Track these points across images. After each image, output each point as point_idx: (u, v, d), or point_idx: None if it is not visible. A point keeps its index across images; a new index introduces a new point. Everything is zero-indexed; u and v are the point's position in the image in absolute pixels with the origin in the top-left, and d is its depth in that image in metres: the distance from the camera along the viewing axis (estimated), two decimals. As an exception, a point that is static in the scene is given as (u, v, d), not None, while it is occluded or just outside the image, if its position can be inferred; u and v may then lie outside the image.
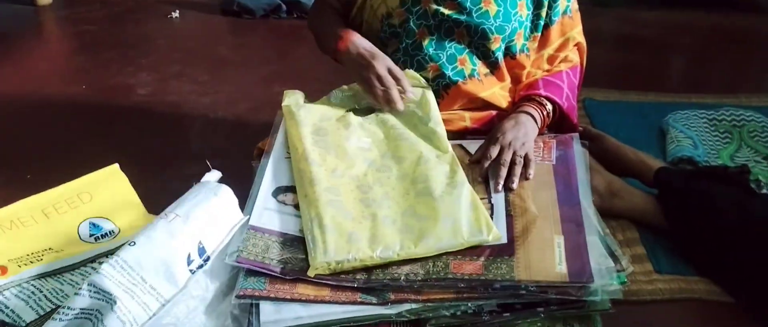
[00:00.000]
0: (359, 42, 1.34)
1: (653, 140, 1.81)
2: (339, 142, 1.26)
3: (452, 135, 1.33)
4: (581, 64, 1.48)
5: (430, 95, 1.33)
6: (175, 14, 3.16)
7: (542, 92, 1.37)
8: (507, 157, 1.23)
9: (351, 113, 1.35)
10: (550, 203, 1.15)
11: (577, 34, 1.44)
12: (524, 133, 1.28)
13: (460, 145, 1.32)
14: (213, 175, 1.21)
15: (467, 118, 1.39)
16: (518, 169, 1.22)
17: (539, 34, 1.40)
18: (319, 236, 1.09)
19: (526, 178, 1.22)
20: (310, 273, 1.06)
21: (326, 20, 1.49)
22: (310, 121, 1.31)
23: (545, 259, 1.05)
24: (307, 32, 1.64)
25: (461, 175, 1.19)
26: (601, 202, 1.34)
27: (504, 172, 1.22)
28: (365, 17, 1.47)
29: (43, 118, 2.18)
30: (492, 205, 1.16)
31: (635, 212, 1.40)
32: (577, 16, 1.44)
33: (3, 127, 2.11)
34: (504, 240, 1.09)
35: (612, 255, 1.07)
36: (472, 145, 1.31)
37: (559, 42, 1.42)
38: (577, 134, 1.35)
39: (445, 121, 1.32)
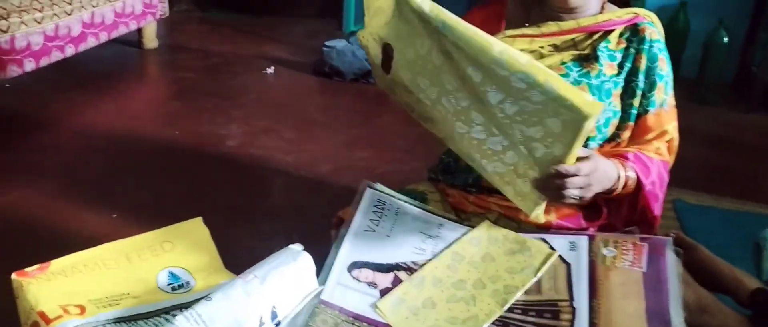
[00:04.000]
0: None
1: (748, 255, 1.71)
2: None
3: (535, 229, 1.29)
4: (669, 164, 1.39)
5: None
6: (270, 70, 3.28)
7: (630, 159, 1.28)
8: (574, 181, 1.12)
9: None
10: (637, 315, 1.08)
11: (673, 129, 1.37)
12: (597, 176, 1.17)
13: (543, 239, 1.28)
14: (296, 248, 1.21)
15: (552, 213, 1.35)
16: (569, 199, 1.13)
17: (632, 122, 1.36)
18: None
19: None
20: None
21: None
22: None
23: (629, 378, 0.98)
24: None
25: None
26: (690, 318, 1.25)
27: (557, 185, 1.12)
28: (457, 98, 1.47)
29: (135, 158, 2.27)
30: (574, 309, 1.11)
31: (726, 333, 1.30)
32: (674, 112, 1.38)
33: (97, 163, 2.21)
34: (585, 348, 1.03)
35: (702, 381, 1.00)
36: (556, 241, 1.27)
37: (654, 134, 1.35)
38: (670, 240, 1.27)
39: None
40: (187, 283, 1.23)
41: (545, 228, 1.32)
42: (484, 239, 1.26)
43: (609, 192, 1.26)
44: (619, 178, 1.24)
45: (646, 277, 1.17)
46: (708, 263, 1.40)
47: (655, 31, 1.36)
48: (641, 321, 1.08)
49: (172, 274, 1.24)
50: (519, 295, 1.15)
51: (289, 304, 1.11)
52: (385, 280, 1.19)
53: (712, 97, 3.09)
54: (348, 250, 1.22)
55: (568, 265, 1.20)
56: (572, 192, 1.13)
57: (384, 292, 1.17)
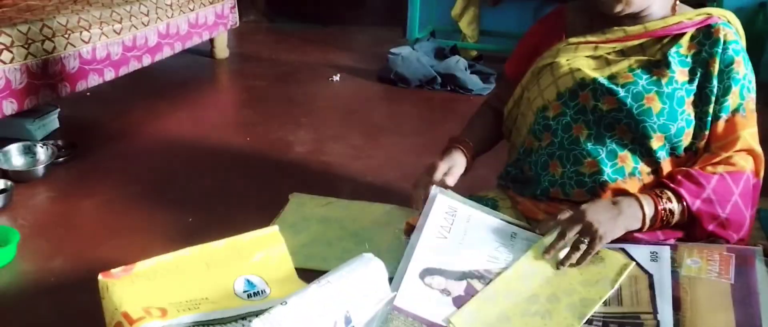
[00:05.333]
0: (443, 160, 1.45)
1: (842, 267, 1.60)
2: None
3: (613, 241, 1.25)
4: (757, 174, 1.30)
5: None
6: (336, 77, 3.32)
7: (672, 185, 1.24)
8: (571, 235, 1.21)
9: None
10: (725, 329, 1.04)
11: (749, 135, 1.28)
12: (613, 219, 1.21)
13: (623, 250, 1.24)
14: (368, 255, 1.21)
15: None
16: (575, 256, 1.19)
17: (708, 131, 1.29)
18: None
19: (574, 264, 1.20)
20: None
21: (473, 121, 1.60)
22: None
23: (718, 394, 0.94)
24: (457, 106, 1.65)
25: None
26: (781, 332, 1.19)
27: (562, 252, 1.21)
28: (521, 109, 1.45)
29: (208, 164, 2.33)
30: (658, 322, 1.07)
31: (820, 350, 1.23)
32: (753, 118, 1.29)
33: (172, 169, 2.28)
34: (671, 364, 1.00)
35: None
36: (637, 251, 1.22)
37: (724, 142, 1.27)
38: (760, 250, 1.21)
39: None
40: (263, 291, 1.25)
41: (623, 239, 1.28)
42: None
43: (643, 227, 1.24)
44: (652, 213, 1.23)
45: (734, 289, 1.12)
46: (799, 276, 1.33)
47: (730, 31, 1.29)
48: (731, 334, 1.03)
49: (248, 281, 1.27)
50: (597, 308, 1.12)
51: (362, 310, 1.11)
52: (458, 287, 1.18)
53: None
54: (420, 257, 1.21)
55: (649, 275, 1.16)
56: (569, 244, 1.21)
57: (457, 300, 1.16)
